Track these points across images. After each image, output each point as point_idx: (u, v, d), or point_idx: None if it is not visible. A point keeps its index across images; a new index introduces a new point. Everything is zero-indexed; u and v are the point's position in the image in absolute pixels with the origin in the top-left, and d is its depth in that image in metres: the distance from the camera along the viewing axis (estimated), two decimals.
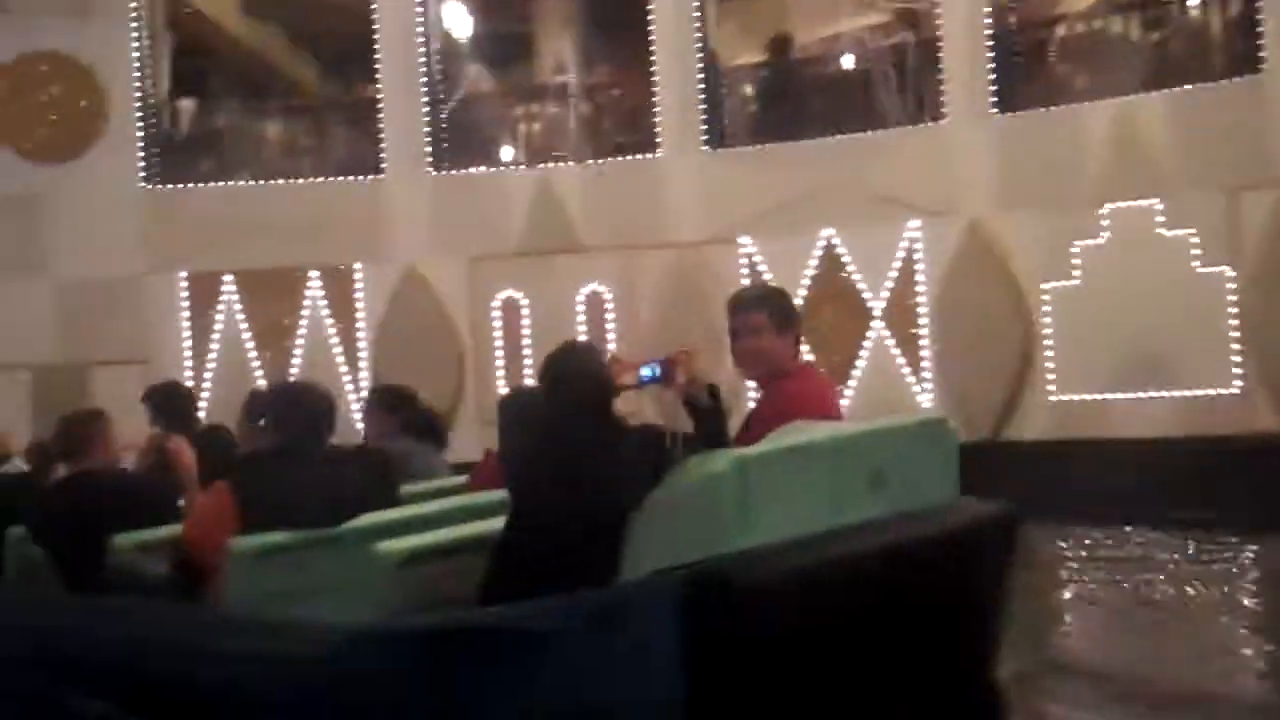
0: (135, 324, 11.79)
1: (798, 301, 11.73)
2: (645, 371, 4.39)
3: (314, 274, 12.17)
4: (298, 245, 12.02)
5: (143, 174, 12.14)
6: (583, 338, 4.77)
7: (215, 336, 12.03)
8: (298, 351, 11.99)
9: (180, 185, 12.31)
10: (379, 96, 12.31)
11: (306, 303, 12.09)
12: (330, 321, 12.09)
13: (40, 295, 11.81)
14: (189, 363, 11.91)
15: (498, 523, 4.48)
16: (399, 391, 7.09)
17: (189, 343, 12.08)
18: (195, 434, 6.38)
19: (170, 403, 6.79)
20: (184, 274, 12.15)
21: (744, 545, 3.81)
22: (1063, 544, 9.05)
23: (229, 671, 4.54)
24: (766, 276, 11.82)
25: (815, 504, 4.18)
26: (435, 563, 4.48)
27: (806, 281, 11.67)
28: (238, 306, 12.02)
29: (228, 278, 12.13)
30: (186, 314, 12.16)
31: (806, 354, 11.84)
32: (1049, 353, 10.89)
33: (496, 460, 5.59)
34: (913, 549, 4.22)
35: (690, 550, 3.77)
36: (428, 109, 12.33)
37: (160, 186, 12.19)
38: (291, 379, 5.72)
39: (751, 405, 4.82)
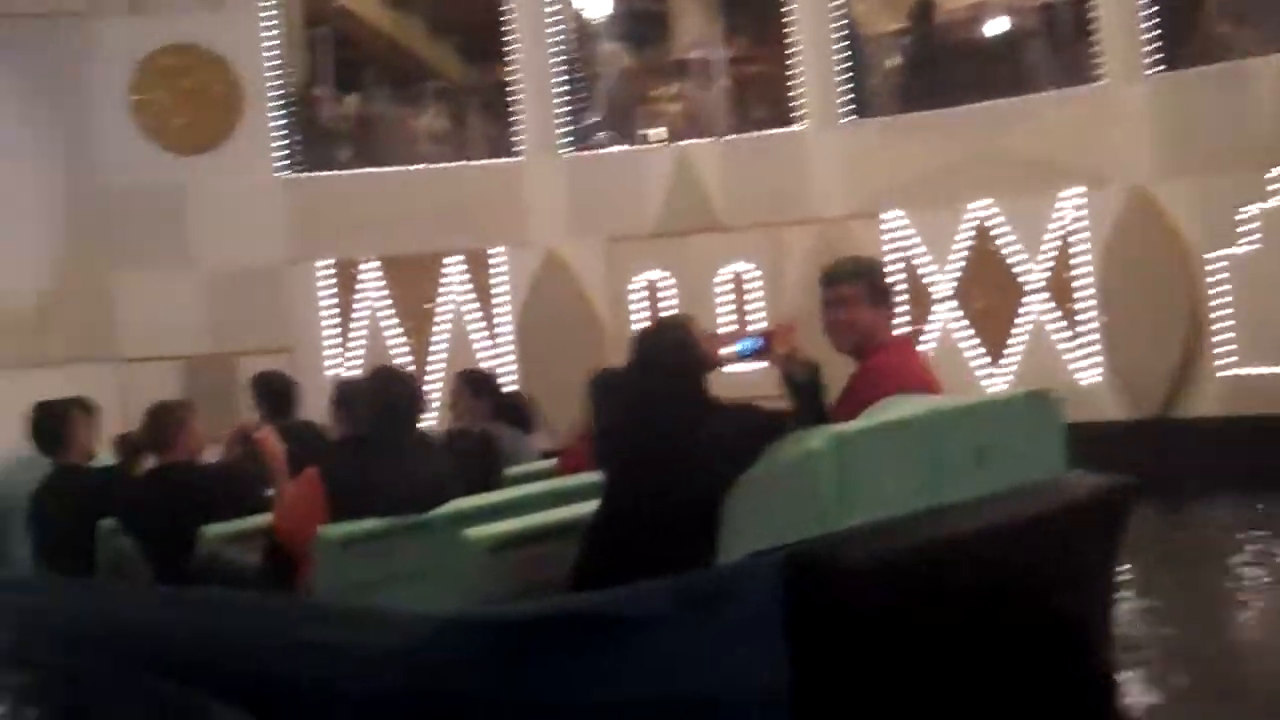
0: (279, 313, 11.89)
1: (948, 276, 11.31)
2: (742, 345, 4.32)
3: (455, 259, 12.04)
4: (438, 230, 12.20)
5: (283, 163, 12.21)
6: (673, 312, 4.55)
7: (358, 324, 11.98)
8: (440, 337, 11.89)
9: (320, 173, 12.32)
10: (514, 79, 12.11)
11: (448, 288, 11.98)
12: (472, 306, 11.98)
13: (188, 287, 11.93)
14: (332, 350, 11.83)
15: (588, 507, 4.46)
16: (485, 376, 7.25)
17: (332, 330, 12.05)
18: (286, 425, 6.43)
19: (271, 391, 6.87)
20: (326, 262, 12.11)
21: (844, 525, 3.75)
22: (1236, 523, 8.43)
23: (319, 661, 4.63)
24: (914, 251, 11.32)
25: (916, 481, 4.10)
26: (525, 548, 4.50)
27: (957, 256, 11.13)
28: (380, 293, 11.96)
29: (369, 264, 12.12)
30: (330, 301, 12.12)
31: (963, 331, 11.48)
32: (1221, 325, 10.22)
33: (586, 443, 5.59)
34: (1018, 526, 4.11)
35: (788, 530, 3.71)
36: (563, 90, 12.14)
37: (301, 175, 12.21)
38: (378, 366, 5.97)
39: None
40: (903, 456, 4.04)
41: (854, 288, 4.53)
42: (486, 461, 5.80)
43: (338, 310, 12.29)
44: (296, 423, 6.69)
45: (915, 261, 11.35)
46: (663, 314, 4.74)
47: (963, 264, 11.42)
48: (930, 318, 11.40)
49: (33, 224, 12.06)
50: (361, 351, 12.06)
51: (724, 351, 4.43)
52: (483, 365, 11.64)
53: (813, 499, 3.80)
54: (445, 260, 12.25)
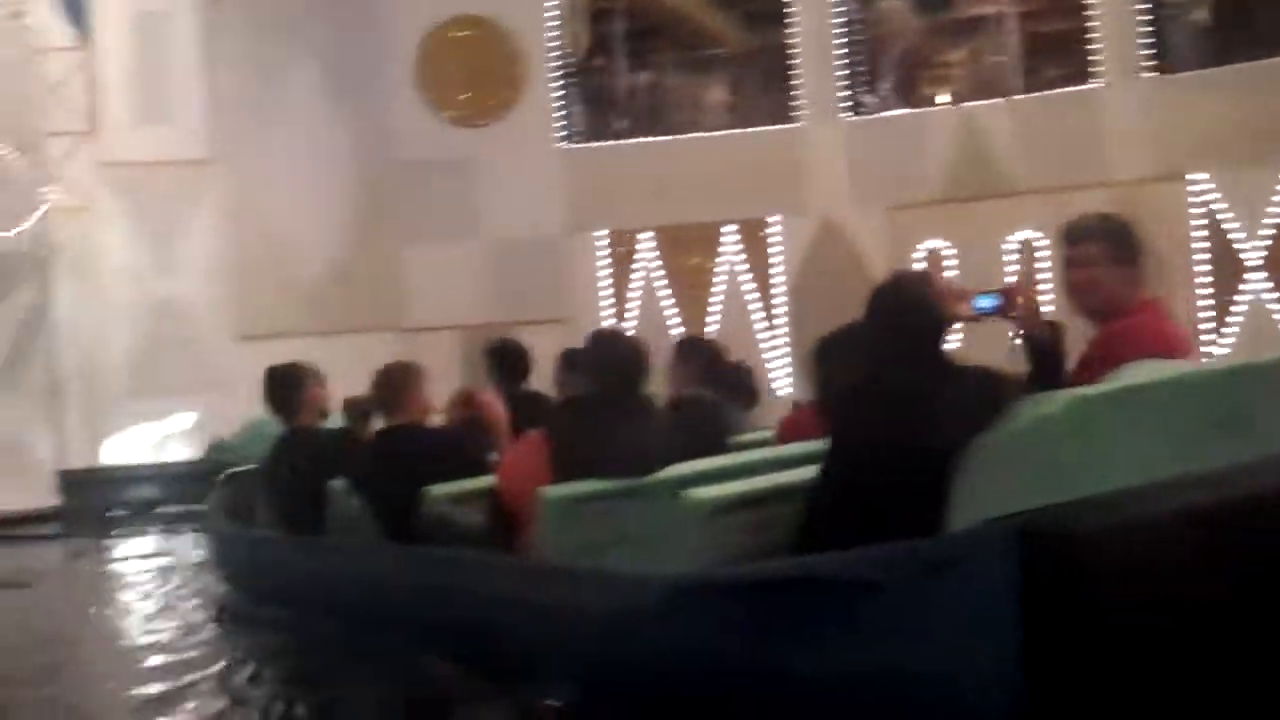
0: (557, 283, 12.05)
1: (1260, 244, 10.42)
2: (982, 302, 4.15)
3: (731, 228, 11.91)
4: (715, 199, 12.24)
5: (563, 134, 12.23)
6: (916, 268, 4.33)
7: (634, 293, 11.98)
8: (715, 306, 11.78)
9: (600, 143, 12.42)
10: (794, 44, 11.85)
11: (724, 257, 11.86)
12: (747, 276, 11.82)
13: (472, 257, 12.14)
14: (609, 320, 11.88)
15: (810, 472, 4.35)
16: (704, 343, 7.10)
17: (609, 300, 12.08)
18: (514, 393, 6.50)
19: (504, 359, 6.87)
20: (603, 232, 12.12)
21: (1082, 492, 3.58)
22: None
23: (539, 621, 4.63)
24: (1221, 216, 10.51)
25: (1159, 449, 3.90)
26: (745, 512, 4.39)
27: (1270, 222, 10.27)
28: (656, 262, 11.91)
29: (645, 234, 12.05)
30: (606, 271, 12.12)
31: (1277, 303, 10.57)
32: None
33: (804, 414, 5.56)
34: (1271, 497, 3.85)
35: (1023, 497, 3.55)
36: (844, 54, 11.85)
37: (581, 145, 12.25)
38: (604, 328, 6.09)
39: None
40: (1145, 423, 3.84)
41: (1097, 246, 4.26)
42: (712, 427, 5.70)
43: (614, 280, 12.25)
44: (525, 391, 6.71)
45: (1223, 227, 10.50)
46: (901, 270, 4.63)
47: (1276, 231, 10.43)
48: (1240, 288, 10.50)
49: (326, 195, 12.55)
50: (636, 320, 12.02)
51: (960, 310, 4.23)
52: (759, 334, 11.72)
53: (1050, 465, 3.67)
54: (722, 229, 12.08)
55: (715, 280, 12.38)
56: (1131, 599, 3.45)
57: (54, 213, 12.47)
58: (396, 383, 5.99)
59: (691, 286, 12.36)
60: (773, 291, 12.30)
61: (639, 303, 12.48)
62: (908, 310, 4.10)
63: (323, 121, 12.64)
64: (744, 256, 12.37)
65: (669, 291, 12.45)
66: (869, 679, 3.67)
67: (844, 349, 4.70)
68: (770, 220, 12.40)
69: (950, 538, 3.67)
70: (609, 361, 5.06)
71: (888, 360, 4.09)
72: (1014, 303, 4.10)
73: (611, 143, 12.88)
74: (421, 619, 5.21)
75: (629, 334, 5.37)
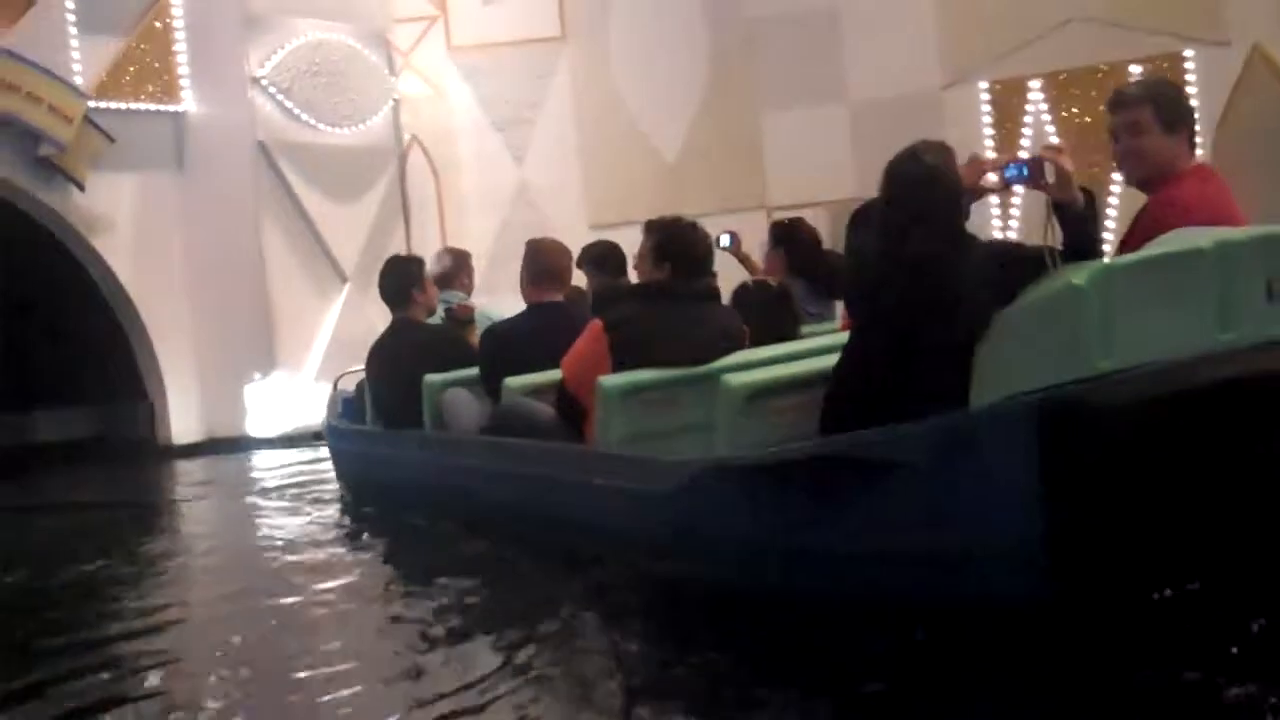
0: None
1: None
2: (1011, 171, 4.08)
3: (1136, 69, 10.42)
4: (1114, 36, 11.22)
5: None
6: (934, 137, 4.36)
7: (1023, 146, 10.73)
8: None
9: None
10: None
11: None
12: None
13: (836, 120, 11.18)
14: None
15: None
16: (797, 230, 7.14)
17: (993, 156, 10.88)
18: (607, 286, 6.59)
19: (593, 258, 6.99)
20: (985, 84, 10.93)
21: (1108, 367, 3.61)
22: None
23: (598, 506, 4.94)
24: None
25: (1197, 321, 3.83)
26: (785, 396, 4.53)
27: None
28: (1046, 115, 10.64)
29: (1034, 82, 10.77)
30: (989, 129, 10.90)
31: None
32: None
33: None
34: None
35: (1047, 373, 3.61)
36: None
37: None
38: (663, 217, 5.54)
39: None
40: (1180, 293, 3.79)
41: (1143, 111, 4.27)
42: (781, 314, 5.87)
43: (998, 137, 11.03)
44: (612, 283, 6.75)
45: None
46: (920, 140, 4.28)
47: None
48: None
49: (677, 65, 12.35)
50: None
51: (989, 178, 4.20)
52: None
53: (1074, 338, 3.66)
54: (1129, 69, 10.57)
55: None
56: (1156, 475, 3.45)
57: (406, 102, 12.93)
58: (561, 257, 6.28)
59: (1089, 135, 10.83)
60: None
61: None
62: (921, 184, 4.07)
63: None
64: None
65: (1060, 140, 10.95)
66: (893, 556, 3.76)
67: (869, 221, 4.45)
68: (1186, 54, 10.72)
69: (967, 415, 3.72)
70: (667, 250, 5.21)
71: (901, 235, 4.04)
72: (1042, 170, 3.99)
73: None
74: (499, 505, 5.67)
75: (690, 222, 5.38)
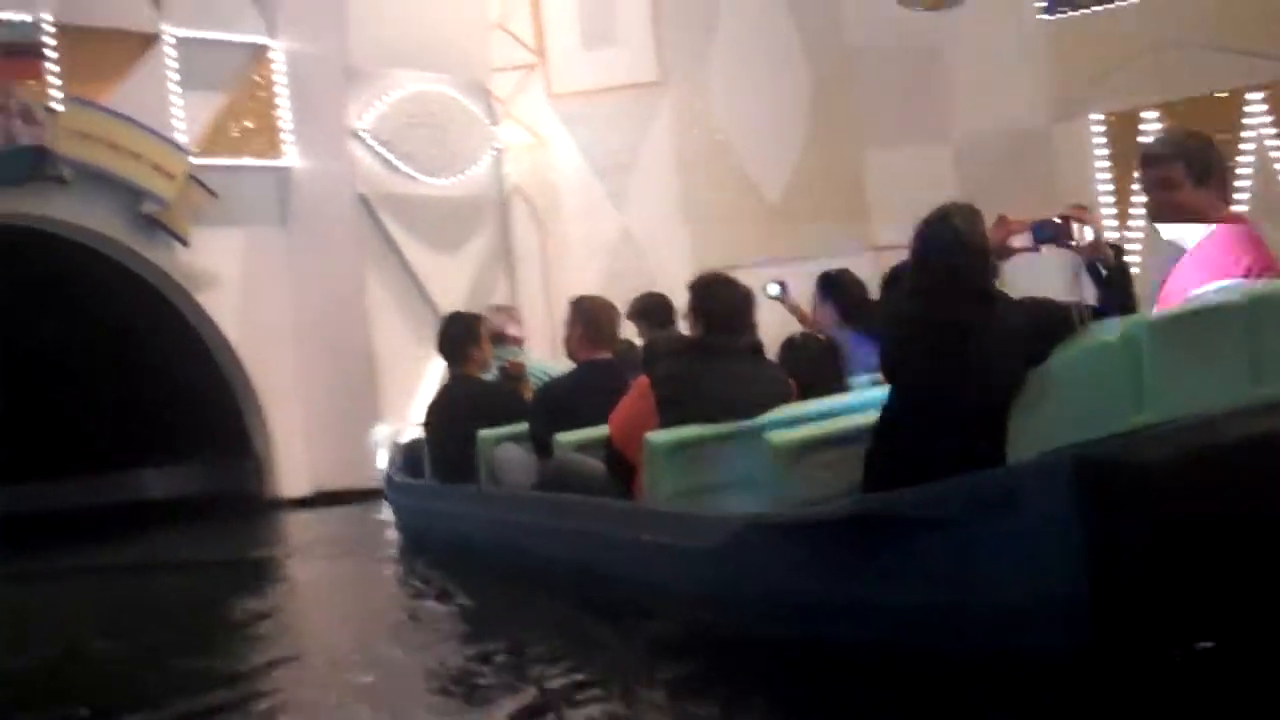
0: (1043, 179, 10.52)
1: None
2: (1039, 232, 4.22)
3: (1256, 95, 10.00)
4: (1234, 62, 10.71)
5: (1042, 2, 10.73)
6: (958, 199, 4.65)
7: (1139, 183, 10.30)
8: (1243, 184, 9.94)
9: (1088, 10, 11.54)
10: None
11: (1250, 130, 10.02)
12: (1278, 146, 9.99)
13: (941, 157, 10.85)
14: (1112, 213, 11.14)
15: None
16: (844, 280, 7.17)
17: (1108, 193, 10.54)
18: (658, 338, 6.73)
19: (644, 312, 7.22)
20: (1099, 115, 10.56)
21: (1144, 422, 3.71)
22: None
23: (647, 562, 5.05)
24: None
25: (1231, 374, 3.90)
26: (833, 451, 4.63)
27: None
28: None
29: (1149, 113, 10.37)
30: (1104, 162, 10.54)
31: None
32: None
33: None
34: None
35: (1084, 429, 3.70)
36: None
37: (1063, 15, 10.77)
38: (706, 272, 5.78)
39: None
40: (1215, 348, 3.88)
41: (1174, 168, 4.43)
42: (828, 367, 5.88)
43: (1115, 170, 10.70)
44: (662, 336, 6.94)
45: None
46: (950, 202, 4.47)
47: None
48: None
49: (778, 101, 12.03)
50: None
51: (1017, 240, 4.34)
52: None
53: (1109, 395, 3.80)
54: (1246, 97, 10.15)
55: (1241, 156, 10.40)
56: (1197, 530, 3.45)
57: (507, 150, 13.07)
58: (609, 315, 6.51)
59: None
60: None
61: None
62: (946, 248, 4.18)
63: (769, 20, 11.70)
64: (1275, 126, 10.34)
65: None
66: (931, 614, 3.81)
67: (901, 282, 4.68)
68: None
69: (1005, 472, 3.81)
70: (709, 305, 5.34)
71: (928, 297, 4.18)
72: (1070, 230, 4.17)
73: (1103, 7, 11.07)
74: (551, 560, 5.82)
75: (729, 277, 5.57)
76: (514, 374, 7.36)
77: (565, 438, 5.96)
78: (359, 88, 11.84)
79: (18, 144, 10.16)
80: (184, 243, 11.23)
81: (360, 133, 11.76)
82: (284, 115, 11.94)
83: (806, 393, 5.39)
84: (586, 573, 5.49)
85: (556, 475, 5.89)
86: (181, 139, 11.21)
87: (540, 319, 12.27)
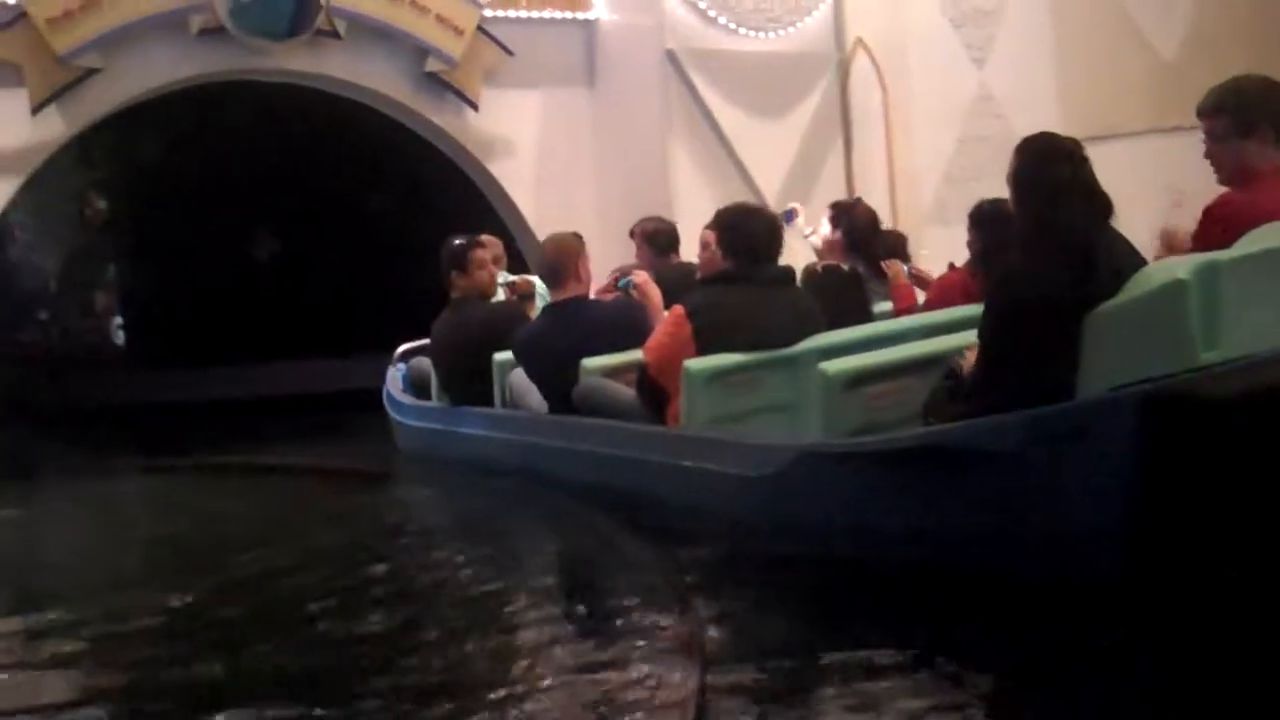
0: None
1: None
2: None
3: None
4: None
5: None
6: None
7: None
8: None
9: None
10: None
11: None
12: None
13: None
14: None
15: (950, 340, 4.88)
16: (854, 211, 7.13)
17: None
18: (665, 268, 7.12)
19: (653, 238, 7.45)
20: None
21: (1213, 359, 3.76)
22: None
23: (685, 487, 5.18)
24: None
25: None
26: (881, 381, 4.85)
27: None
28: None
29: None
30: None
31: None
32: None
33: (956, 276, 6.19)
34: None
35: (1151, 364, 3.73)
36: None
37: None
38: (741, 203, 5.81)
39: None
40: None
41: (1218, 120, 4.55)
42: (853, 297, 6.12)
43: None
44: (675, 264, 7.39)
45: None
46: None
47: None
48: None
49: None
50: None
51: None
52: None
53: (1176, 331, 3.83)
54: None
55: None
56: (1260, 469, 3.52)
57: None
58: (561, 258, 6.48)
59: None
60: None
61: None
62: (1063, 154, 4.30)
63: None
64: None
65: None
66: (989, 544, 3.91)
67: (997, 215, 5.07)
68: None
69: (1071, 407, 3.89)
70: (740, 235, 5.52)
71: (1052, 200, 4.23)
72: None
73: None
74: (577, 485, 5.88)
75: (758, 207, 6.01)
76: (521, 291, 7.56)
77: (592, 363, 6.08)
78: None
79: None
80: (473, 106, 10.69)
81: None
82: None
83: (833, 322, 5.60)
84: (620, 497, 5.56)
85: (586, 400, 6.01)
86: None
87: (881, 193, 10.87)
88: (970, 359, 4.34)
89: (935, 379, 4.54)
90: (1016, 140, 11.13)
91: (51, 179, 16.67)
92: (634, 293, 6.59)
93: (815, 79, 11.43)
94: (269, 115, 12.43)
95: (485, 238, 7.79)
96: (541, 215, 10.83)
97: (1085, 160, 4.29)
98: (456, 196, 11.36)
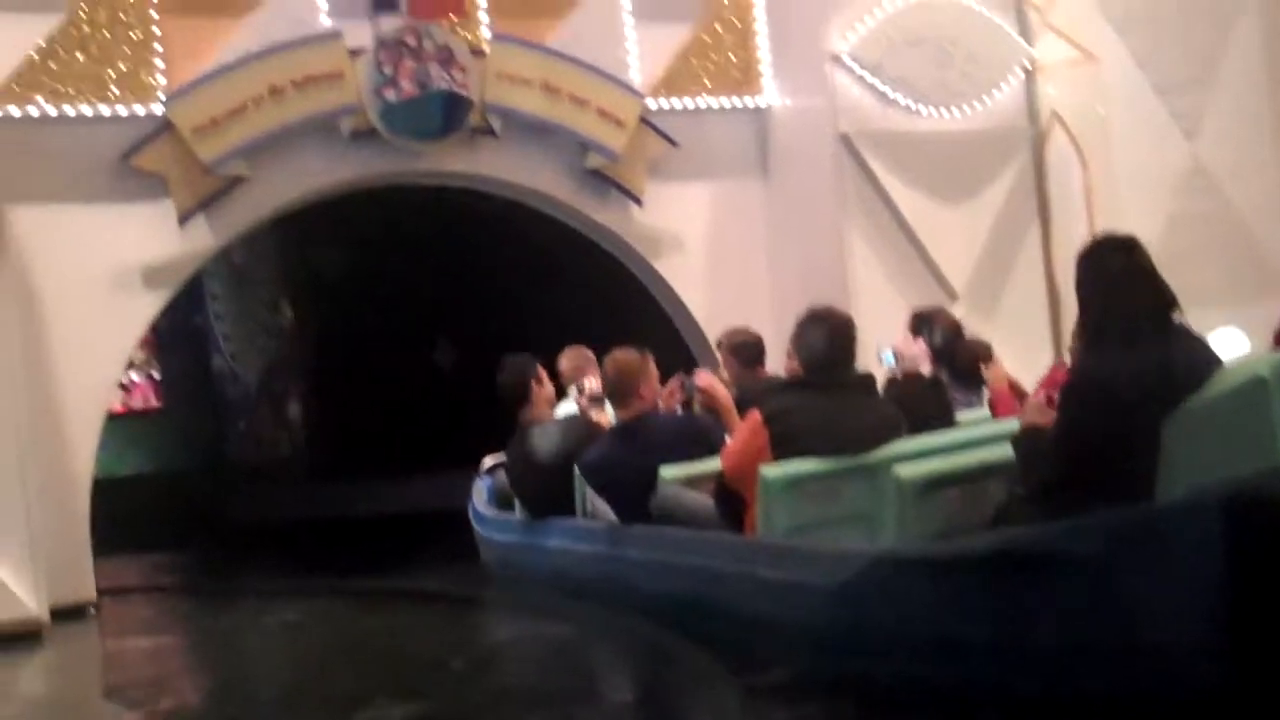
0: None
1: None
2: None
3: None
4: None
5: None
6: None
7: None
8: None
9: None
10: None
11: None
12: None
13: None
14: None
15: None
16: (938, 318, 7.40)
17: None
18: (748, 378, 7.12)
19: (737, 350, 7.40)
20: None
21: None
22: None
23: (764, 597, 5.14)
24: None
25: None
26: (958, 487, 4.86)
27: None
28: None
29: None
30: None
31: None
32: None
33: (1060, 373, 6.25)
34: None
35: (1233, 465, 3.74)
36: None
37: None
38: (815, 308, 5.63)
39: None
40: None
41: None
42: (935, 403, 6.12)
43: None
44: (758, 375, 7.32)
45: None
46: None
47: None
48: None
49: None
50: None
51: None
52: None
53: (1259, 430, 3.78)
54: None
55: None
56: None
57: (1043, 70, 10.94)
58: (623, 377, 6.55)
59: None
60: None
61: None
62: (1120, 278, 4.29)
63: None
64: None
65: None
66: (1067, 653, 3.86)
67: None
68: None
69: (1151, 509, 3.87)
70: (817, 340, 5.49)
71: (1105, 321, 4.26)
72: None
73: None
74: (655, 595, 5.98)
75: (838, 311, 5.65)
76: (593, 395, 7.35)
77: (670, 472, 6.19)
78: (840, 3, 10.48)
79: (430, 90, 9.23)
80: (637, 201, 10.30)
81: (842, 57, 10.01)
82: (760, 45, 10.57)
83: (915, 429, 5.59)
84: (698, 607, 5.65)
85: (663, 509, 6.09)
86: (633, 79, 10.04)
87: None
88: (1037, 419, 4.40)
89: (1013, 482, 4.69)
90: (1235, 217, 10.25)
91: (251, 288, 16.95)
92: (697, 396, 6.73)
93: (1006, 157, 10.76)
94: (431, 214, 12.34)
95: (570, 350, 7.93)
96: (712, 313, 10.43)
97: (1144, 252, 4.26)
98: (627, 293, 11.07)
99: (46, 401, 8.72)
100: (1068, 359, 7.05)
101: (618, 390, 6.62)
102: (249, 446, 19.27)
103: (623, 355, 6.75)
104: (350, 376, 15.59)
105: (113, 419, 10.03)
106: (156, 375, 20.64)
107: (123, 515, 12.72)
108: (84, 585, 8.79)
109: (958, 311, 10.51)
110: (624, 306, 11.29)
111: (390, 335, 14.88)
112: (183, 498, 17.61)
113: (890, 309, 9.95)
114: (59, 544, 8.51)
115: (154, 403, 20.52)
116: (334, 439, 16.69)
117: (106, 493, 9.57)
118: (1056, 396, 4.68)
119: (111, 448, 19.20)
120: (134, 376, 20.72)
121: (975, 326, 9.87)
